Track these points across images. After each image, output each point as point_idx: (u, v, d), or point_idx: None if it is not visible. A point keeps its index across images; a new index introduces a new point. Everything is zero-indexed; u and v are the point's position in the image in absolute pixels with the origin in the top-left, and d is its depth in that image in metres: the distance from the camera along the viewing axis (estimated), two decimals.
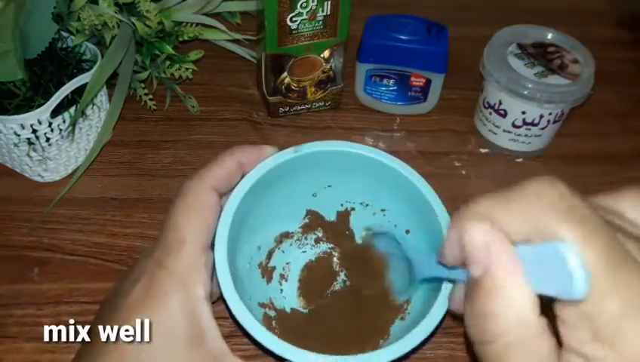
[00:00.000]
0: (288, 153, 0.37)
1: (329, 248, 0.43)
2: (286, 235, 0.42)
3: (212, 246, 0.33)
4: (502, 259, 0.20)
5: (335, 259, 0.42)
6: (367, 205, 0.41)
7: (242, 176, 0.35)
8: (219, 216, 0.33)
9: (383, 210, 0.40)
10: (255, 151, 0.35)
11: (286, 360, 0.29)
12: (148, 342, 0.28)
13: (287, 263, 0.41)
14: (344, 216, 0.42)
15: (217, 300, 0.35)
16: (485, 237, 0.20)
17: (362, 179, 0.39)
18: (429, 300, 0.32)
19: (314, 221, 0.42)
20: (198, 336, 0.29)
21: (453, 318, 0.32)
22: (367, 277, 0.38)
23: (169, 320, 0.29)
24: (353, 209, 0.42)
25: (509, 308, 0.19)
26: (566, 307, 0.19)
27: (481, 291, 0.20)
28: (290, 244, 0.42)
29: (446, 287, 0.31)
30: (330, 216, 0.42)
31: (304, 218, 0.42)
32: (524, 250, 0.20)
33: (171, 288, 0.29)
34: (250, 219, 0.37)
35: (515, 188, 0.21)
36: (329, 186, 0.41)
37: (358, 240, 0.42)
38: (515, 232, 0.20)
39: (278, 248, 0.42)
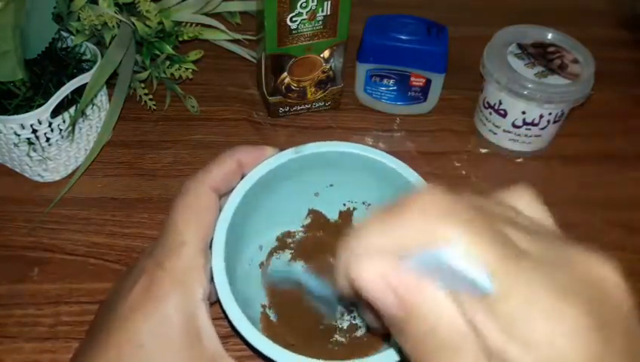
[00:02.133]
0: (289, 154, 0.37)
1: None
2: (288, 235, 0.42)
3: (211, 246, 0.33)
4: (405, 285, 0.19)
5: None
6: (369, 205, 0.41)
7: (242, 177, 0.35)
8: (218, 217, 0.33)
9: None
10: (255, 151, 0.35)
11: None
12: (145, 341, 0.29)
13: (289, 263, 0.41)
14: (346, 215, 0.42)
15: (216, 302, 0.36)
16: (381, 273, 0.20)
17: (364, 179, 0.39)
18: None
19: (316, 221, 0.42)
20: (195, 337, 0.29)
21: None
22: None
23: (166, 320, 0.29)
24: (355, 208, 0.42)
25: (436, 324, 0.19)
26: (476, 311, 0.19)
27: (404, 321, 0.20)
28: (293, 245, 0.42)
29: None
30: (333, 216, 0.42)
31: (306, 217, 0.42)
32: (418, 261, 0.19)
33: (170, 288, 0.29)
34: (251, 220, 0.37)
35: (396, 206, 0.20)
36: (331, 185, 0.41)
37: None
38: (407, 248, 0.20)
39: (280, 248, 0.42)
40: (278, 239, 0.41)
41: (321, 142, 0.37)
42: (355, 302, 0.28)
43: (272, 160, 0.36)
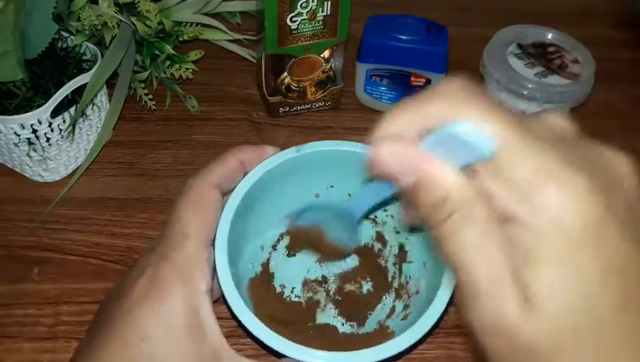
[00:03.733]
0: (290, 153, 0.37)
1: None
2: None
3: (213, 243, 0.33)
4: (418, 159, 0.22)
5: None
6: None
7: (244, 176, 0.35)
8: (221, 214, 0.33)
9: (385, 209, 0.41)
10: (256, 150, 0.36)
11: (285, 356, 0.30)
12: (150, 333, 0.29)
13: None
14: None
15: (218, 299, 0.36)
16: (391, 150, 0.22)
17: (364, 179, 0.39)
18: (431, 291, 0.33)
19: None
20: (198, 329, 0.30)
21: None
22: (320, 250, 0.39)
23: (171, 311, 0.29)
24: None
25: (449, 190, 0.21)
26: (488, 177, 0.21)
27: (420, 191, 0.22)
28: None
29: (442, 295, 0.32)
30: None
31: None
32: (429, 139, 0.22)
33: (173, 280, 0.30)
34: (252, 219, 0.37)
35: (420, 94, 0.23)
36: (331, 187, 0.41)
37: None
38: (422, 130, 0.22)
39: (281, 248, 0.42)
40: (278, 239, 0.41)
41: (322, 141, 0.38)
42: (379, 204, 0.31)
43: (273, 158, 0.36)
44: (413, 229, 0.34)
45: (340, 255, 0.39)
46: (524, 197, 0.20)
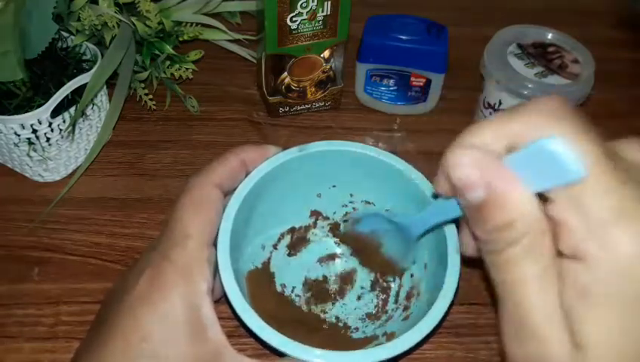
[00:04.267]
0: (292, 152, 0.37)
1: (333, 248, 0.43)
2: (295, 228, 0.42)
3: (215, 243, 0.33)
4: (496, 175, 0.20)
5: (338, 260, 0.42)
6: (372, 205, 0.41)
7: (246, 175, 0.35)
8: (222, 213, 0.33)
9: (387, 210, 0.40)
10: (258, 150, 0.36)
11: (287, 356, 0.30)
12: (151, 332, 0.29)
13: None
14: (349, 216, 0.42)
15: (219, 299, 0.36)
16: (472, 159, 0.21)
17: (367, 179, 0.39)
18: (433, 293, 0.33)
19: (318, 222, 0.42)
20: (199, 328, 0.30)
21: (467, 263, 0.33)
22: (369, 262, 0.39)
23: (171, 312, 0.29)
24: (356, 209, 0.42)
25: (519, 215, 0.20)
26: (564, 206, 0.20)
27: (488, 209, 0.21)
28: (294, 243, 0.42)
29: (445, 294, 0.32)
30: (335, 217, 0.42)
31: (308, 218, 0.42)
32: (515, 156, 0.21)
33: (174, 280, 0.30)
34: (254, 218, 0.37)
35: (513, 108, 0.22)
36: (334, 186, 0.41)
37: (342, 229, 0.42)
38: (506, 146, 0.21)
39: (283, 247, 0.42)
40: (279, 239, 0.42)
41: (325, 141, 0.38)
42: (439, 224, 0.30)
43: (276, 158, 0.36)
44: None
45: (390, 270, 0.39)
46: (596, 235, 0.19)
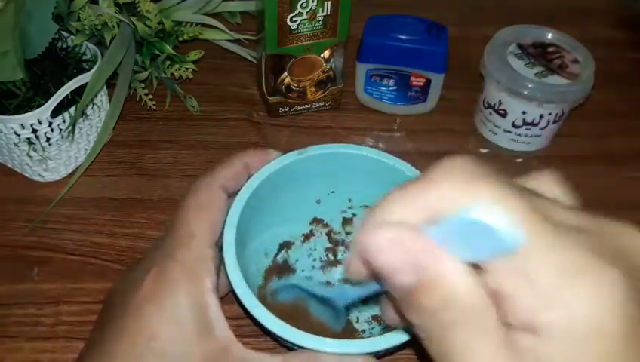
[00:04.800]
0: (292, 155, 0.37)
1: (332, 255, 0.43)
2: (291, 243, 0.42)
3: (218, 243, 0.33)
4: (423, 253, 0.18)
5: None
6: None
7: (248, 178, 0.36)
8: (226, 215, 0.34)
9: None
10: (261, 154, 0.36)
11: (296, 346, 0.30)
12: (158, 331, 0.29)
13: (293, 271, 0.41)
14: (348, 222, 0.42)
15: (223, 298, 0.36)
16: (393, 238, 0.19)
17: (367, 183, 0.39)
18: None
19: (318, 229, 0.42)
20: (206, 326, 0.30)
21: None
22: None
23: (178, 310, 0.30)
24: (355, 215, 0.42)
25: (456, 294, 0.18)
26: (506, 276, 0.18)
27: (420, 292, 0.19)
28: (295, 251, 0.42)
29: None
30: (334, 224, 0.42)
31: (309, 225, 0.42)
32: (439, 229, 0.18)
33: (180, 278, 0.30)
34: (256, 222, 0.37)
35: (419, 177, 0.20)
36: (332, 192, 0.41)
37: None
38: (424, 219, 0.19)
39: (284, 254, 0.42)
40: (280, 246, 0.41)
41: (325, 144, 0.38)
42: (368, 296, 0.28)
43: (277, 161, 0.36)
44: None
45: (326, 331, 0.37)
46: (545, 302, 0.17)
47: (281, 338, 0.30)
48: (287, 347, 0.31)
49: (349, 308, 0.34)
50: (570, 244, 0.17)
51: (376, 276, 0.20)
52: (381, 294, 0.25)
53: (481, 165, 0.19)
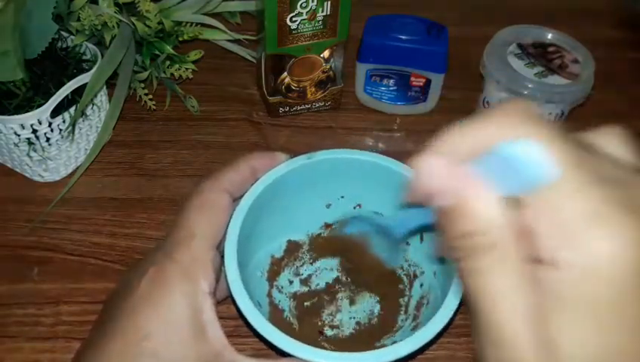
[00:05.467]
0: (301, 159, 0.37)
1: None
2: (298, 246, 0.42)
3: (220, 247, 0.33)
4: (463, 181, 0.20)
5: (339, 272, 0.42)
6: (381, 215, 0.41)
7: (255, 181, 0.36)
8: (230, 218, 0.34)
9: (376, 213, 0.40)
10: (268, 157, 0.36)
11: (290, 356, 0.30)
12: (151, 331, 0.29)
13: (298, 274, 0.41)
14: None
15: (223, 300, 0.36)
16: (438, 167, 0.21)
17: (376, 188, 0.39)
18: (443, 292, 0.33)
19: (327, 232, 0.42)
20: (200, 328, 0.30)
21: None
22: (361, 263, 0.39)
23: (173, 311, 0.30)
24: None
25: (486, 222, 0.20)
26: (536, 211, 0.19)
27: (455, 216, 0.21)
28: (304, 254, 0.42)
29: (451, 298, 0.32)
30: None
31: (319, 229, 0.42)
32: (482, 161, 0.20)
33: (177, 279, 0.30)
34: (262, 226, 0.37)
35: (478, 116, 0.22)
36: (342, 197, 0.40)
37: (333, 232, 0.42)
38: (474, 152, 0.21)
39: (291, 258, 0.41)
40: (286, 250, 0.41)
41: (334, 149, 0.37)
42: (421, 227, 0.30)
43: (285, 165, 0.36)
44: (442, 260, 0.33)
45: (377, 269, 0.38)
46: (570, 240, 0.18)
47: (276, 347, 0.30)
48: (281, 353, 0.31)
49: (405, 239, 0.34)
50: (602, 191, 0.18)
51: (424, 199, 0.22)
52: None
53: (535, 109, 0.21)
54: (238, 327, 0.38)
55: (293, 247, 0.41)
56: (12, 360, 0.38)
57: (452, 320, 0.31)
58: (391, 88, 0.53)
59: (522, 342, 0.20)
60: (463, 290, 0.21)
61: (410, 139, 0.53)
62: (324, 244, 0.41)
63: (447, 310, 0.31)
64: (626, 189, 0.19)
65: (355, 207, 0.41)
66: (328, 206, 0.41)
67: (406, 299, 0.39)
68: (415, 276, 0.39)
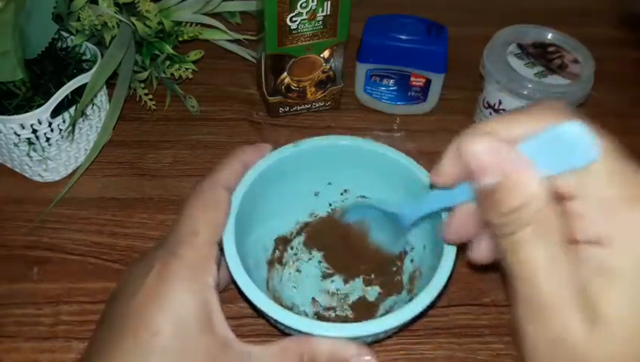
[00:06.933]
0: (287, 148, 0.37)
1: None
2: (290, 236, 0.42)
3: (220, 243, 0.33)
4: (511, 160, 0.22)
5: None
6: (367, 199, 0.41)
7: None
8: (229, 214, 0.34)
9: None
10: (255, 149, 0.37)
11: (291, 330, 0.31)
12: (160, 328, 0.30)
13: (295, 261, 0.42)
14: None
15: (222, 292, 0.36)
16: (489, 145, 0.22)
17: (363, 174, 0.40)
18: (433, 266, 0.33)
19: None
20: (207, 322, 0.30)
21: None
22: (361, 250, 0.40)
23: (180, 307, 0.30)
24: None
25: (531, 198, 0.22)
26: (579, 194, 0.21)
27: (502, 192, 0.22)
28: (299, 243, 0.42)
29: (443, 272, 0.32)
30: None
31: (308, 217, 0.42)
32: (529, 142, 0.22)
33: (183, 275, 0.31)
34: (254, 217, 0.37)
35: (523, 107, 0.24)
36: (329, 184, 0.41)
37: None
38: (519, 135, 0.23)
39: (286, 247, 0.42)
40: (277, 240, 0.42)
41: (320, 136, 0.38)
42: (432, 213, 0.32)
43: (273, 154, 0.37)
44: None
45: (378, 258, 0.39)
46: (612, 220, 0.20)
47: (278, 322, 0.31)
48: (284, 332, 0.32)
49: (410, 227, 0.35)
50: (635, 175, 0.21)
51: (468, 176, 0.24)
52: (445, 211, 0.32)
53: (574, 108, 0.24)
54: (239, 327, 0.39)
55: (283, 239, 0.42)
56: (11, 360, 0.38)
57: (444, 288, 0.32)
58: (391, 88, 0.53)
59: (561, 309, 0.21)
60: (503, 266, 0.23)
61: (410, 139, 0.53)
62: (316, 233, 0.42)
63: (445, 268, 0.32)
64: None
65: (342, 193, 0.42)
66: (316, 194, 0.42)
67: (399, 277, 0.40)
68: (405, 253, 0.40)
